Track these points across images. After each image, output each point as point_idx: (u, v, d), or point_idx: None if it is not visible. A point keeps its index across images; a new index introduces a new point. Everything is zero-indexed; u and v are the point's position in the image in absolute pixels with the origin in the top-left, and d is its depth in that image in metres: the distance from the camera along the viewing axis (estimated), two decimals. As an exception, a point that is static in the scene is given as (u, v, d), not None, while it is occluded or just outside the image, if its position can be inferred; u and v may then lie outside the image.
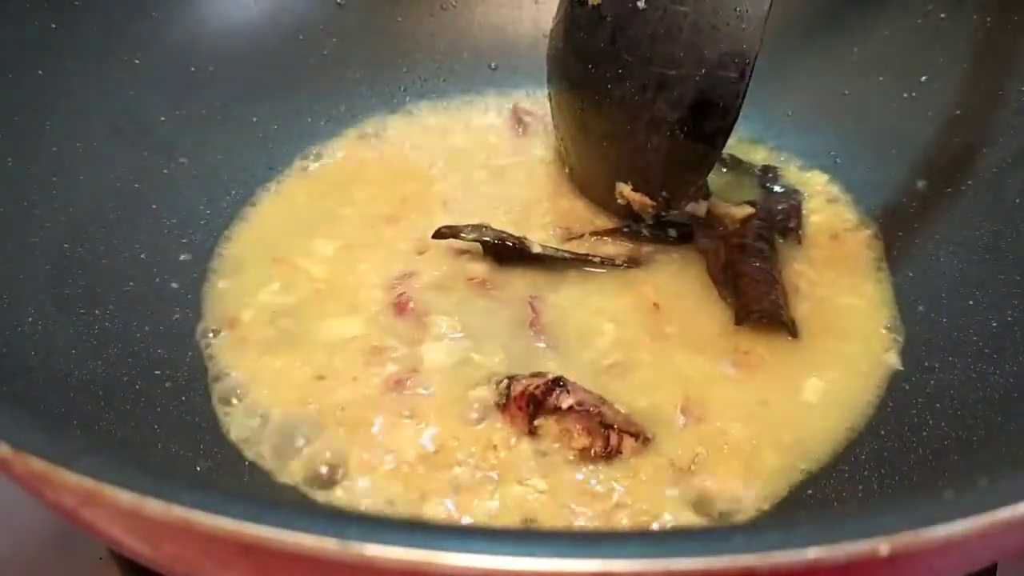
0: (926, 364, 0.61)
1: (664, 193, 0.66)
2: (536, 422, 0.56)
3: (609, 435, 0.55)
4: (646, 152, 0.65)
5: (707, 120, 0.62)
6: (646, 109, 0.64)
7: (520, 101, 0.82)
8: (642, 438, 0.56)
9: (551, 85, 0.74)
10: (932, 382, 0.59)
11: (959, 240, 0.66)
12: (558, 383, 0.57)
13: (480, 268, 0.67)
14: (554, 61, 0.73)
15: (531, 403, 0.56)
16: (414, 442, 0.57)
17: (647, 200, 0.67)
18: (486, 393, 0.59)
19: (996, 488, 0.33)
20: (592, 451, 0.55)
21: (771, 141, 0.78)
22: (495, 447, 0.57)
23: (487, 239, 0.67)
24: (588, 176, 0.73)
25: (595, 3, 0.66)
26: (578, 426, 0.56)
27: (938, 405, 0.57)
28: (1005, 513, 0.32)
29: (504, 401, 0.57)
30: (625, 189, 0.68)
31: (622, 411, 0.57)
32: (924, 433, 0.56)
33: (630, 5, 0.63)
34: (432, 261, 0.68)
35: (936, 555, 0.34)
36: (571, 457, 0.56)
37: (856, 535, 0.31)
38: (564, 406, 0.56)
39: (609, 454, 0.55)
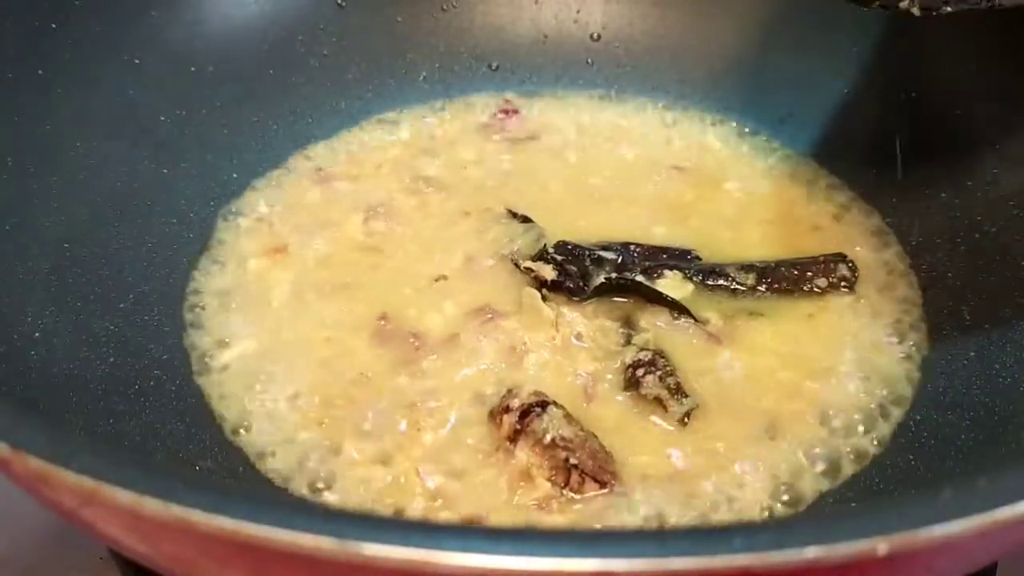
0: (925, 365, 0.61)
1: None
2: (517, 447, 0.55)
3: (571, 474, 0.53)
4: None
5: None
6: None
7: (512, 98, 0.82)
8: (610, 487, 0.54)
9: None
10: (932, 382, 0.60)
11: (959, 240, 0.66)
12: (543, 406, 0.56)
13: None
14: None
15: (520, 419, 0.55)
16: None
17: None
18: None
19: (994, 488, 0.33)
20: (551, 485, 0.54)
21: (770, 139, 0.78)
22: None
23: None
24: None
25: None
26: (545, 464, 0.54)
27: (937, 405, 0.58)
28: (1004, 513, 0.32)
29: (497, 410, 0.57)
30: None
31: (607, 454, 0.55)
32: (924, 433, 0.56)
33: None
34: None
35: (934, 555, 0.34)
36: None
37: (854, 535, 0.31)
38: (546, 440, 0.54)
39: (568, 491, 0.54)
